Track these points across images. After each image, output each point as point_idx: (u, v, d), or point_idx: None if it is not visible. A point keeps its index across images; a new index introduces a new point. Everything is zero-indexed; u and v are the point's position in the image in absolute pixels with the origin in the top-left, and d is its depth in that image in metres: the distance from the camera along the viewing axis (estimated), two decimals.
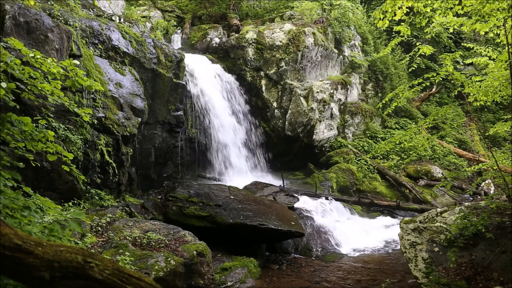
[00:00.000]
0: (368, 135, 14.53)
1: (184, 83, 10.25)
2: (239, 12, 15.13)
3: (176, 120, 10.04)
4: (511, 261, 5.26)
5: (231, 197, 8.18)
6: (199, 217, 7.33)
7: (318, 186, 10.75)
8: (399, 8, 5.33)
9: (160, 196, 8.89)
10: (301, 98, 12.44)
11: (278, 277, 6.97)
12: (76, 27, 7.58)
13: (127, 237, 5.88)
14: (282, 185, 10.62)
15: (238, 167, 11.56)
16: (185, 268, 5.59)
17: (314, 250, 8.19)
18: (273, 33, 12.50)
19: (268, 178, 11.54)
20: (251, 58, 12.28)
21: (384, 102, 7.96)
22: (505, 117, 14.36)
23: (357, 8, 15.21)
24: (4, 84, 3.34)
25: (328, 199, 10.16)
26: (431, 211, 7.18)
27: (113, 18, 10.37)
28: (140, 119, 8.34)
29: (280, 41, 12.32)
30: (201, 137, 11.17)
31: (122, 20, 10.69)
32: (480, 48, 7.17)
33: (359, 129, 14.51)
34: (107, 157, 7.56)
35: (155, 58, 9.39)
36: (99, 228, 6.16)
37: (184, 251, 5.78)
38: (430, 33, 6.22)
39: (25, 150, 3.81)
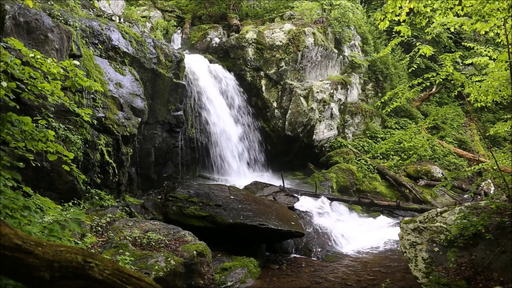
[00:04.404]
0: (368, 135, 14.53)
1: (184, 83, 10.26)
2: (239, 12, 15.13)
3: (176, 120, 10.04)
4: (511, 261, 5.25)
5: (231, 197, 8.18)
6: (199, 217, 7.33)
7: (318, 186, 10.75)
8: (399, 8, 5.32)
9: (160, 196, 8.89)
10: (301, 98, 12.44)
11: (278, 277, 6.96)
12: (76, 27, 7.57)
13: (127, 237, 5.88)
14: (282, 185, 10.61)
15: (238, 167, 11.56)
16: (185, 268, 5.60)
17: (314, 250, 8.19)
18: (273, 33, 12.50)
19: (268, 178, 11.54)
20: (251, 58, 12.28)
21: (383, 100, 7.95)
22: (505, 116, 14.37)
23: (357, 8, 15.20)
24: (4, 84, 3.34)
25: (328, 199, 10.17)
26: (431, 211, 7.17)
27: (113, 18, 10.37)
28: (140, 119, 8.34)
29: (280, 41, 12.32)
30: (201, 137, 11.17)
31: (122, 20, 10.69)
32: (480, 48, 7.15)
33: (359, 129, 14.52)
34: (107, 157, 7.56)
35: (155, 58, 9.39)
36: (99, 228, 6.16)
37: (184, 251, 5.78)
38: (430, 33, 6.21)
39: (25, 150, 3.81)
